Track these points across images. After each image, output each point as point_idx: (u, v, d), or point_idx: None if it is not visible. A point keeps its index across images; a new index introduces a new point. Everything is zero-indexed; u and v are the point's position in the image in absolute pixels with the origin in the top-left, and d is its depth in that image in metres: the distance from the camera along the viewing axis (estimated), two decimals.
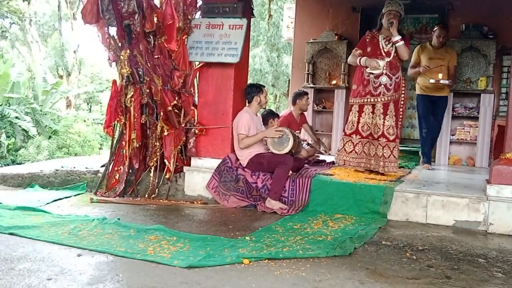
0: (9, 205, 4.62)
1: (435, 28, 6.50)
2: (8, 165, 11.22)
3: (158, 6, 5.45)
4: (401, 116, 5.37)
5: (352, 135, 5.32)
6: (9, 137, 12.72)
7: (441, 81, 6.25)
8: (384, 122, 5.16)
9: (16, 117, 12.78)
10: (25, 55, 20.66)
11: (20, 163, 11.30)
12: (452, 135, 7.18)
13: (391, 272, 3.10)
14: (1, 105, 13.15)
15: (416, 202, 4.59)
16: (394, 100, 5.21)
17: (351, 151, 5.31)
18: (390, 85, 5.17)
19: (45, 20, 22.67)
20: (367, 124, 5.25)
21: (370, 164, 5.27)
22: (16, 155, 12.52)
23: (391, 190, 4.65)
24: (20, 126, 12.71)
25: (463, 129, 7.16)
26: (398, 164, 5.39)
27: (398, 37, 5.11)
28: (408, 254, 3.51)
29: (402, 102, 5.34)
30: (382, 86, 5.17)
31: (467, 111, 7.18)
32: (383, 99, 5.17)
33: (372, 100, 5.20)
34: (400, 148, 5.77)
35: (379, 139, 5.19)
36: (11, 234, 3.69)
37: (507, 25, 4.24)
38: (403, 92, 5.32)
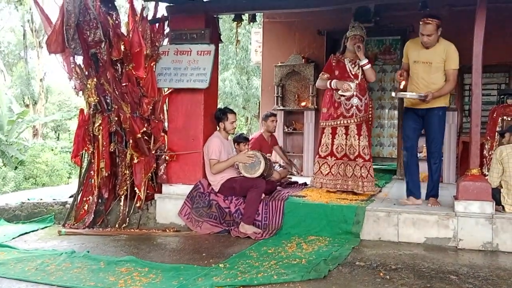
0: None
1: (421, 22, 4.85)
2: None
3: (125, 34, 5.44)
4: (370, 136, 5.47)
5: (327, 157, 5.37)
6: None
7: (399, 94, 4.98)
8: (359, 142, 5.26)
9: None
10: None
11: None
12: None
13: None
14: None
15: (387, 221, 4.63)
16: (365, 121, 5.32)
17: (327, 173, 5.36)
18: (361, 106, 5.28)
19: (10, 49, 22.30)
20: (341, 146, 5.32)
21: (347, 185, 5.32)
22: None
23: (362, 209, 4.69)
24: None
25: None
26: (375, 183, 5.48)
27: (365, 61, 5.23)
28: (381, 274, 3.53)
29: (370, 123, 5.47)
30: (354, 107, 5.26)
31: None
32: (355, 120, 5.27)
33: (345, 121, 5.29)
34: None
35: (356, 159, 5.27)
36: None
37: (467, 45, 4.43)
38: (370, 112, 5.44)
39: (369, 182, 5.28)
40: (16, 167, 13.59)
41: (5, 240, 4.62)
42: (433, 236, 4.49)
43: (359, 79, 5.31)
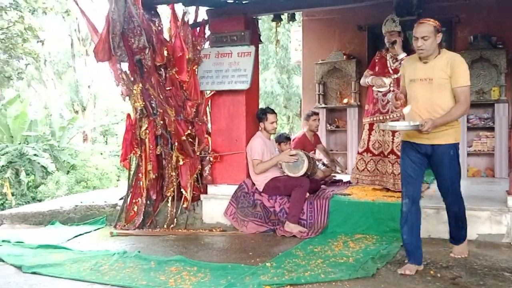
0: (31, 244, 4.68)
1: None
2: (28, 202, 11.41)
3: (168, 39, 5.57)
4: None
5: (363, 154, 5.38)
6: (28, 174, 12.92)
7: (384, 126, 3.94)
8: (393, 139, 5.17)
9: (35, 155, 13.00)
10: (41, 93, 21.12)
11: (40, 200, 11.47)
12: (469, 147, 7.09)
13: None
14: (20, 143, 13.40)
15: (436, 218, 4.52)
16: (403, 117, 5.20)
17: (363, 169, 5.37)
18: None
19: (59, 58, 23.21)
20: (378, 142, 5.27)
21: (383, 182, 5.26)
22: (36, 192, 12.69)
23: None
24: (39, 163, 12.91)
25: (480, 140, 7.08)
26: None
27: (403, 55, 5.13)
28: (432, 272, 3.45)
29: None
30: (390, 103, 5.18)
31: (482, 122, 7.12)
32: (392, 116, 5.19)
33: (381, 118, 5.24)
34: None
35: (388, 156, 5.19)
36: (34, 273, 3.73)
37: None
38: None
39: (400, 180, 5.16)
40: (68, 171, 14.15)
41: (61, 242, 4.83)
42: (485, 232, 4.35)
43: (399, 73, 5.21)
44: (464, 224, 3.85)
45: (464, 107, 3.51)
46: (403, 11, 5.32)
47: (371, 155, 5.33)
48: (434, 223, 4.52)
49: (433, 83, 3.54)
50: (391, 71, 5.24)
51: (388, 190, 5.23)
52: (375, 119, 5.29)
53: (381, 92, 5.23)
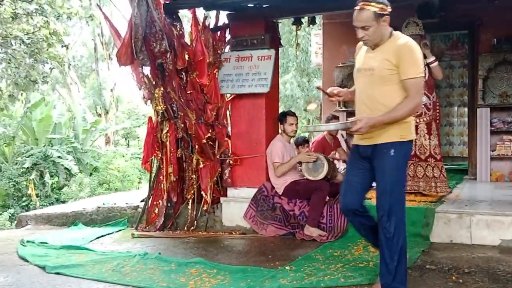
0: (55, 245, 4.77)
1: None
2: (52, 203, 11.63)
3: (189, 43, 5.63)
4: (439, 135, 5.30)
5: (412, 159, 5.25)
6: (52, 176, 13.19)
7: (310, 127, 4.09)
8: (429, 142, 5.12)
9: (59, 157, 13.27)
10: (65, 97, 21.52)
11: (64, 201, 11.68)
12: (492, 151, 6.97)
13: None
14: (44, 146, 13.69)
15: (459, 223, 4.46)
16: (434, 119, 5.17)
17: (413, 176, 5.25)
18: (430, 104, 5.15)
19: (83, 62, 23.66)
20: (416, 146, 5.19)
21: (418, 186, 5.19)
22: (60, 193, 12.94)
23: (432, 211, 4.55)
24: (62, 165, 13.18)
25: (503, 144, 6.95)
26: (447, 183, 5.29)
27: (432, 58, 5.08)
28: (454, 277, 3.41)
29: (438, 121, 5.30)
30: (423, 106, 5.12)
31: (506, 126, 6.98)
32: (425, 119, 5.13)
33: (416, 121, 5.16)
34: None
35: (427, 159, 5.13)
36: (58, 273, 3.80)
37: None
38: (438, 111, 5.29)
39: (442, 183, 5.12)
40: (91, 173, 14.39)
41: (83, 243, 4.92)
42: (508, 238, 4.26)
43: (426, 77, 5.16)
44: (396, 267, 2.91)
45: (413, 103, 2.89)
46: (424, 13, 5.28)
47: (418, 160, 5.24)
48: (456, 228, 4.45)
49: (374, 75, 2.96)
50: None
51: (410, 193, 5.17)
52: None
53: None
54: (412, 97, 2.88)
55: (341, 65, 8.08)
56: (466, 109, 8.64)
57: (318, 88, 4.50)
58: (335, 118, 6.37)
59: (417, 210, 4.61)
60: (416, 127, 5.16)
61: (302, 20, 6.18)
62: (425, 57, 5.11)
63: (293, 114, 5.41)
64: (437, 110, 5.27)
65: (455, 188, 6.07)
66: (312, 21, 6.25)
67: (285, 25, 14.07)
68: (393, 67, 2.89)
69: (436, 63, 5.10)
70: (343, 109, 8.10)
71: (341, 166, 6.24)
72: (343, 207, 3.19)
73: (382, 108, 2.91)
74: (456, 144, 9.34)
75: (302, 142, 5.60)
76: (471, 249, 4.21)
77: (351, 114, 8.17)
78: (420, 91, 2.91)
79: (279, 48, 5.89)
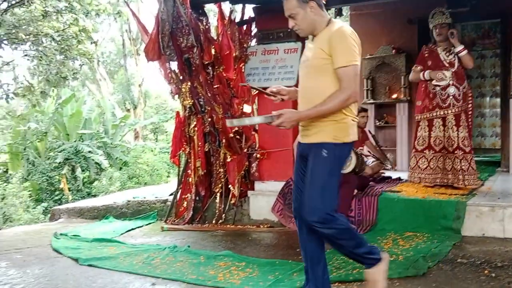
0: (87, 238, 4.89)
1: None
2: (84, 197, 11.90)
3: (215, 37, 5.65)
4: (470, 126, 5.18)
5: (424, 151, 5.18)
6: (83, 170, 13.48)
7: (234, 121, 3.37)
8: (458, 134, 5.01)
9: (89, 152, 13.53)
10: (94, 92, 21.93)
11: (95, 195, 11.93)
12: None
13: None
14: (75, 141, 13.99)
15: (491, 216, 4.36)
16: (464, 110, 5.05)
17: (425, 168, 5.17)
18: (459, 95, 5.03)
19: (111, 58, 24.05)
20: (439, 138, 5.10)
21: (447, 179, 5.10)
22: (91, 188, 13.22)
23: (463, 204, 4.46)
24: (93, 159, 13.44)
25: None
26: (477, 176, 5.16)
27: (460, 47, 4.96)
28: (486, 271, 3.34)
29: (470, 112, 5.17)
30: (451, 97, 5.01)
31: None
32: (454, 111, 5.02)
33: (441, 113, 5.07)
34: None
35: (455, 152, 5.03)
36: (90, 265, 3.90)
37: None
38: (470, 101, 5.15)
39: (470, 176, 5.00)
40: (120, 168, 14.64)
41: (114, 236, 5.02)
42: None
43: (455, 67, 5.04)
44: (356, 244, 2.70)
45: (344, 94, 2.59)
46: (455, 3, 5.15)
47: (433, 152, 5.15)
48: (488, 221, 4.35)
49: (309, 66, 2.78)
50: (446, 64, 5.06)
51: (441, 186, 5.08)
52: (435, 114, 5.11)
53: (440, 86, 5.06)
54: (343, 88, 2.60)
55: (368, 56, 7.98)
56: (498, 100, 8.41)
57: (243, 85, 4.24)
58: (364, 111, 6.27)
59: (448, 203, 4.53)
60: (444, 118, 5.06)
61: (329, 11, 6.12)
62: (453, 46, 5.01)
63: None
64: (469, 101, 5.14)
65: (487, 181, 5.93)
66: (339, 13, 6.20)
67: None
68: (327, 56, 2.66)
69: (464, 52, 4.97)
70: (372, 101, 8.00)
71: (369, 160, 6.17)
72: (294, 213, 2.90)
73: (318, 101, 2.64)
74: (488, 136, 9.09)
75: None
76: (504, 242, 4.11)
77: (380, 106, 8.08)
78: (352, 81, 2.60)
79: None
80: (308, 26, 2.76)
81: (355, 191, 4.99)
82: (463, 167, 4.99)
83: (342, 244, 2.69)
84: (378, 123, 8.06)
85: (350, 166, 4.99)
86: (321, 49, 2.68)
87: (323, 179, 2.66)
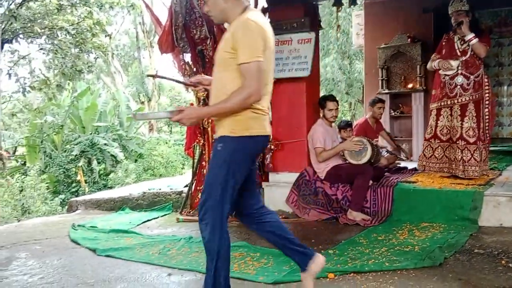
0: (104, 229, 4.95)
1: None
2: (100, 189, 12.04)
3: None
4: (488, 116, 5.08)
5: (430, 140, 5.18)
6: (99, 163, 13.62)
7: (138, 115, 3.55)
8: (462, 124, 4.95)
9: (105, 144, 13.67)
10: (109, 85, 22.09)
11: (111, 187, 12.06)
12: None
13: (486, 282, 2.93)
14: (91, 133, 14.14)
15: (509, 206, 4.31)
16: (474, 100, 4.96)
17: (430, 156, 5.19)
18: (468, 84, 4.95)
19: (125, 51, 24.17)
20: (446, 128, 5.07)
21: (452, 169, 5.06)
22: (107, 180, 13.36)
23: (480, 194, 4.41)
24: (109, 152, 13.58)
25: None
26: (480, 168, 4.98)
27: (471, 35, 4.88)
28: (503, 262, 3.30)
29: (487, 102, 5.08)
30: (458, 87, 4.97)
31: None
32: (460, 100, 4.96)
33: (449, 102, 5.03)
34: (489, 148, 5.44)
35: (457, 141, 4.98)
36: (108, 256, 3.94)
37: None
38: (487, 90, 5.05)
39: (471, 167, 4.92)
40: (136, 160, 14.76)
41: (131, 227, 5.07)
42: None
43: (468, 55, 4.97)
44: (217, 266, 2.60)
45: (246, 92, 2.39)
46: None
47: (439, 141, 5.14)
48: (506, 211, 4.30)
49: (217, 57, 2.59)
50: (458, 53, 5.00)
51: (456, 177, 5.04)
52: (442, 103, 5.08)
53: (448, 75, 5.01)
54: (244, 86, 2.39)
55: (383, 46, 7.90)
56: None
57: (150, 75, 3.96)
58: (381, 101, 6.23)
59: (465, 194, 4.49)
60: (451, 108, 5.02)
61: (343, 1, 6.06)
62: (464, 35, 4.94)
63: (333, 99, 5.29)
64: (486, 91, 5.04)
65: (505, 171, 5.84)
66: (353, 2, 6.12)
67: (325, 7, 13.82)
68: (230, 50, 2.45)
69: (475, 40, 4.87)
70: (387, 91, 7.92)
71: (384, 150, 6.14)
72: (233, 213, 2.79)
73: (223, 96, 2.46)
74: (506, 125, 8.95)
75: (345, 126, 5.53)
76: None
77: (395, 96, 8.00)
78: (254, 78, 2.38)
79: (319, 31, 5.81)
80: (219, 14, 2.59)
81: (371, 182, 4.96)
82: (464, 157, 4.93)
83: (212, 245, 2.64)
84: (393, 113, 8.00)
85: (365, 156, 4.97)
86: (226, 40, 2.50)
87: (214, 173, 2.53)
